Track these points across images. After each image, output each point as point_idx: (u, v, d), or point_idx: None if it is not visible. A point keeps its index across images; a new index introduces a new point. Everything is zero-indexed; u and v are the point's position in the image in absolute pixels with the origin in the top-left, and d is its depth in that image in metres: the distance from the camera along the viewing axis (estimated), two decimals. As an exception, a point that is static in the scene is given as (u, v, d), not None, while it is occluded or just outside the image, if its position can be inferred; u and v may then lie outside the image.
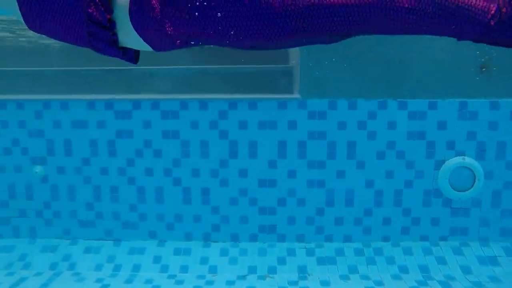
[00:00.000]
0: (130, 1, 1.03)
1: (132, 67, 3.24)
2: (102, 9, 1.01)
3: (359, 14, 1.01)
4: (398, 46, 3.12)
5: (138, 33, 1.08)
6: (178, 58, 3.38)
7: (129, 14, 1.04)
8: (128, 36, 1.09)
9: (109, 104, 3.33)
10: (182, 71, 3.36)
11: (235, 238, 3.42)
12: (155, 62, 3.17)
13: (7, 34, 3.81)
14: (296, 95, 3.23)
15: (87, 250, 3.47)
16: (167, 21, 1.03)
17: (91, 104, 3.35)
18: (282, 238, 3.38)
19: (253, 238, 3.40)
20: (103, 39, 1.08)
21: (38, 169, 3.47)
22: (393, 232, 3.27)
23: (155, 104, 3.28)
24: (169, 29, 1.05)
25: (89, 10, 1.02)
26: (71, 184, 3.48)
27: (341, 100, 3.21)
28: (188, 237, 3.44)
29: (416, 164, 3.21)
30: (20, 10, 1.08)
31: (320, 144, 3.24)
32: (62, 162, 3.45)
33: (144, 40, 1.10)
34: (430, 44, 3.14)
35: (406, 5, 0.99)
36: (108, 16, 1.03)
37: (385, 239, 3.28)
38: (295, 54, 3.48)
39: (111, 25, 1.05)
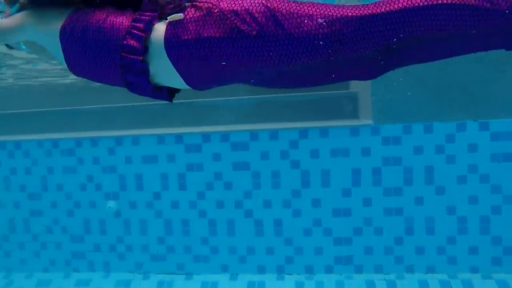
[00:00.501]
0: (166, 31, 1.09)
1: (200, 99, 3.30)
2: (138, 36, 1.09)
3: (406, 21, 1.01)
4: (473, 66, 2.98)
5: (171, 62, 1.12)
6: (239, 89, 3.39)
7: (165, 43, 1.09)
8: (161, 67, 1.14)
9: (178, 138, 3.37)
10: (249, 102, 3.35)
11: (309, 270, 3.31)
12: (221, 94, 3.19)
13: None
14: (368, 121, 3.14)
15: (160, 284, 3.47)
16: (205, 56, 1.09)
17: (161, 139, 3.40)
18: (359, 269, 3.24)
19: (329, 270, 3.28)
20: (133, 68, 1.12)
21: (111, 204, 3.54)
22: (482, 262, 3.05)
23: (224, 136, 3.29)
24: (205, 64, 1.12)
25: (124, 42, 1.10)
26: (143, 219, 3.52)
27: (416, 124, 3.08)
28: (261, 270, 3.37)
29: (504, 188, 3.01)
30: (63, 53, 1.16)
31: (395, 170, 3.11)
32: (134, 197, 3.51)
33: (177, 70, 1.14)
34: (508, 59, 2.98)
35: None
36: (143, 44, 1.10)
37: (474, 270, 3.07)
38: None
39: (143, 51, 1.10)
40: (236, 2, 1.06)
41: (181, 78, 1.17)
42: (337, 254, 3.26)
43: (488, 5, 0.99)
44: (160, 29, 1.13)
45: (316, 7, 1.04)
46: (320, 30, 1.02)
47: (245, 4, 1.05)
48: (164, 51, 1.11)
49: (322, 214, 3.24)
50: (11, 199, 3.76)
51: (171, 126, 3.42)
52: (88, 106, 3.61)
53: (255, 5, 1.05)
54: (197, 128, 3.26)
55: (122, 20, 1.12)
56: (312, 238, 3.27)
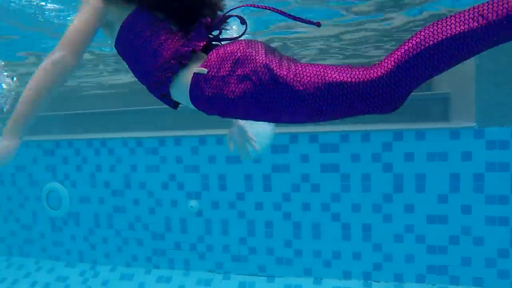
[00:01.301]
0: (191, 82, 1.19)
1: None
2: (172, 68, 1.21)
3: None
4: None
5: (192, 103, 1.24)
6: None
7: (190, 91, 1.21)
8: (181, 98, 1.27)
9: (263, 138, 3.31)
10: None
11: (399, 278, 3.16)
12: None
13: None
14: (470, 123, 2.93)
15: (241, 285, 3.44)
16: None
17: (245, 139, 3.36)
18: (455, 281, 3.05)
19: (420, 279, 3.12)
20: (160, 89, 1.26)
21: (193, 203, 3.55)
22: None
23: (313, 137, 3.20)
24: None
25: (158, 72, 1.23)
26: (225, 219, 3.51)
27: (526, 126, 2.85)
28: (347, 275, 3.26)
29: None
30: (116, 39, 1.29)
31: (501, 176, 2.89)
32: (216, 197, 3.50)
33: (195, 107, 1.26)
34: None
35: None
36: (170, 80, 1.23)
37: None
38: (453, 79, 3.20)
39: (169, 84, 1.24)
40: (258, 59, 1.14)
41: (195, 108, 1.28)
42: (430, 263, 3.09)
43: (485, 21, 0.95)
44: (190, 72, 1.21)
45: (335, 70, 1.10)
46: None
47: (262, 60, 1.13)
48: (188, 95, 1.22)
49: (415, 221, 3.07)
50: (96, 195, 3.88)
51: (255, 126, 3.37)
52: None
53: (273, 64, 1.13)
54: (284, 128, 3.19)
55: (166, 46, 1.22)
56: (403, 245, 3.12)
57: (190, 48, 1.21)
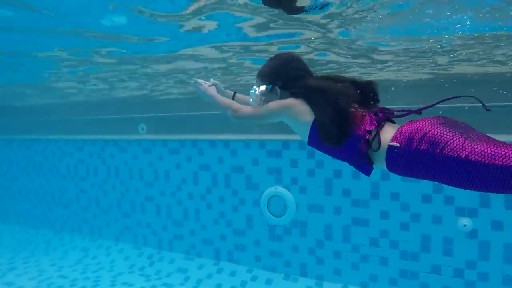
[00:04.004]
0: (387, 153, 1.47)
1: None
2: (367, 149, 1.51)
3: None
4: None
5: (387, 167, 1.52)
6: None
7: (386, 161, 1.49)
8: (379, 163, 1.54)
9: None
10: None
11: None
12: None
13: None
14: None
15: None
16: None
17: None
18: None
19: None
20: (362, 166, 1.57)
21: (465, 221, 3.02)
22: None
23: None
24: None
25: (359, 145, 1.52)
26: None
27: None
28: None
29: None
30: (309, 136, 1.61)
31: None
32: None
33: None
34: None
35: None
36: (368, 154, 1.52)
37: None
38: None
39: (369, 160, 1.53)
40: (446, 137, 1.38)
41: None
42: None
43: None
44: (384, 143, 1.49)
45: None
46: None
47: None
48: (385, 162, 1.50)
49: None
50: (331, 204, 3.51)
51: None
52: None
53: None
54: None
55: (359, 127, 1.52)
56: None
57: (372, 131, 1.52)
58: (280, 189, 3.72)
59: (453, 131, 1.36)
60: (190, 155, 4.23)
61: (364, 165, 1.54)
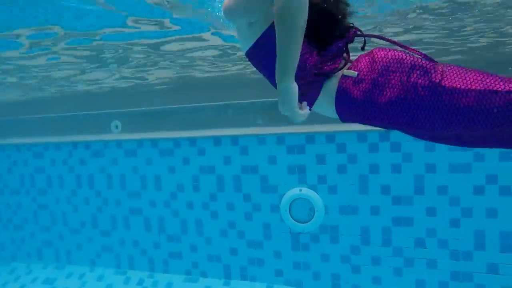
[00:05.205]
0: (339, 83, 1.22)
1: None
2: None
3: None
4: None
5: (335, 108, 1.26)
6: None
7: (336, 95, 1.22)
8: (324, 107, 1.29)
9: None
10: None
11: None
12: None
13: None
14: None
15: None
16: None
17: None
18: None
19: None
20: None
21: None
22: None
23: None
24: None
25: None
26: None
27: None
28: None
29: None
30: (252, 47, 1.29)
31: None
32: None
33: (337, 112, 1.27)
34: None
35: None
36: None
37: None
38: None
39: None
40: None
41: (336, 115, 1.28)
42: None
43: None
44: (333, 81, 1.24)
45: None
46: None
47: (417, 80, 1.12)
48: (334, 100, 1.23)
49: None
50: (368, 204, 3.06)
51: None
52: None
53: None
54: None
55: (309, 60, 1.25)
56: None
57: (337, 66, 1.24)
58: (305, 191, 3.19)
59: (432, 60, 1.15)
60: (188, 156, 3.54)
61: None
